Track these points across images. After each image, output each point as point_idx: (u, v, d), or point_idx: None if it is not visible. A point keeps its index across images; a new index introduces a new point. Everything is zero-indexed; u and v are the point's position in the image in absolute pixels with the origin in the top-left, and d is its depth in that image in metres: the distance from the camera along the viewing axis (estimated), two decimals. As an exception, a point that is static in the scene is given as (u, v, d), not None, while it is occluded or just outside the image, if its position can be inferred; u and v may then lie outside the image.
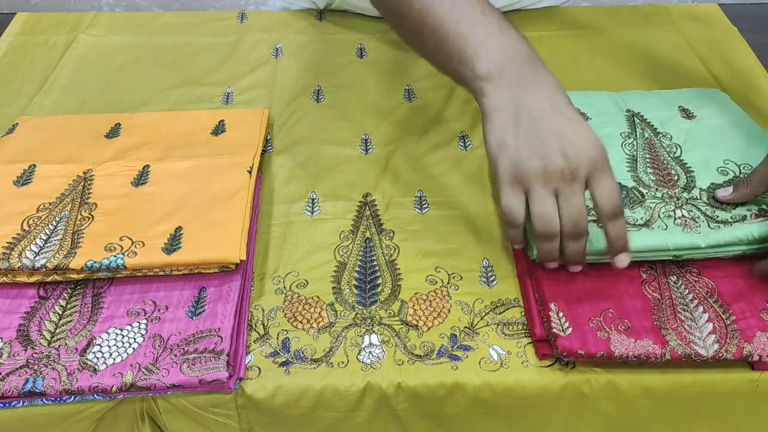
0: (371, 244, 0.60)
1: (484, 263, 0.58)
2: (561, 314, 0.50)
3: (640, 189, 0.59)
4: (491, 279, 0.57)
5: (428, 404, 0.51)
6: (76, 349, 0.49)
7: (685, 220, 0.55)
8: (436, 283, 0.56)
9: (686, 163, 0.62)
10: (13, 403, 0.48)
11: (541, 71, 0.52)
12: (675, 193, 0.58)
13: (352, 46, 0.87)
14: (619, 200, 0.49)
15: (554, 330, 0.49)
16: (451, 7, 0.54)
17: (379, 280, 0.56)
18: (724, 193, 0.58)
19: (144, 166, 0.63)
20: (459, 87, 0.59)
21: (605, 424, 0.52)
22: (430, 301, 0.55)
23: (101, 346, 0.49)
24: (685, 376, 0.50)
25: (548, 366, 0.50)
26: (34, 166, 0.63)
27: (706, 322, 0.50)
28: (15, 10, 0.93)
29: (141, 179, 0.61)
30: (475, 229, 0.61)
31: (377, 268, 0.58)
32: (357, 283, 0.56)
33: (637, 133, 0.66)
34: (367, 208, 0.63)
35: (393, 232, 0.61)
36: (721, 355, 0.48)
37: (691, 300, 0.52)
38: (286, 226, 0.62)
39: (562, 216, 0.49)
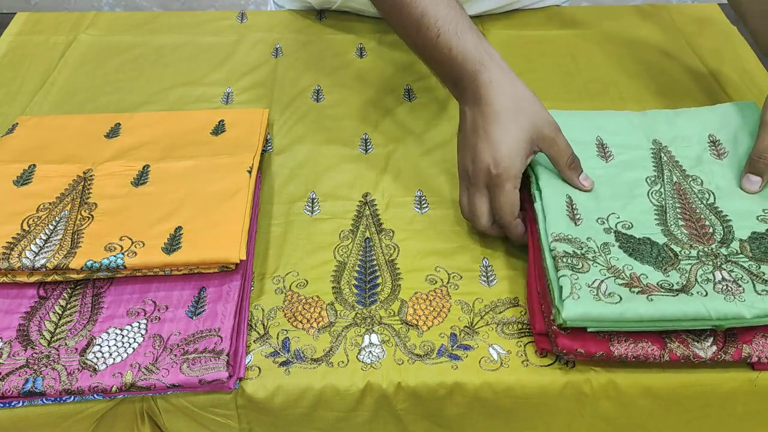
0: (371, 243, 0.60)
1: (484, 263, 0.58)
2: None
3: (673, 247, 0.53)
4: (491, 278, 0.57)
5: (428, 404, 0.51)
6: (76, 349, 0.49)
7: (727, 285, 0.49)
8: (436, 282, 0.56)
9: (721, 212, 0.55)
10: (13, 403, 0.48)
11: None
12: (712, 250, 0.52)
13: (352, 46, 0.87)
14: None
15: (554, 327, 0.49)
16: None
17: (379, 280, 0.56)
18: (752, 185, 0.57)
19: (144, 166, 0.63)
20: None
21: (605, 423, 0.52)
22: (430, 300, 0.55)
23: (101, 346, 0.49)
24: (686, 375, 0.50)
25: (548, 365, 0.50)
26: (34, 166, 0.63)
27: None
28: (15, 10, 0.93)
29: (141, 179, 0.61)
30: (475, 229, 0.61)
31: (377, 267, 0.58)
32: (357, 283, 0.56)
33: (665, 177, 0.59)
34: (367, 208, 0.63)
35: (393, 231, 0.61)
36: (719, 356, 0.48)
37: None
38: (286, 225, 0.62)
39: None
